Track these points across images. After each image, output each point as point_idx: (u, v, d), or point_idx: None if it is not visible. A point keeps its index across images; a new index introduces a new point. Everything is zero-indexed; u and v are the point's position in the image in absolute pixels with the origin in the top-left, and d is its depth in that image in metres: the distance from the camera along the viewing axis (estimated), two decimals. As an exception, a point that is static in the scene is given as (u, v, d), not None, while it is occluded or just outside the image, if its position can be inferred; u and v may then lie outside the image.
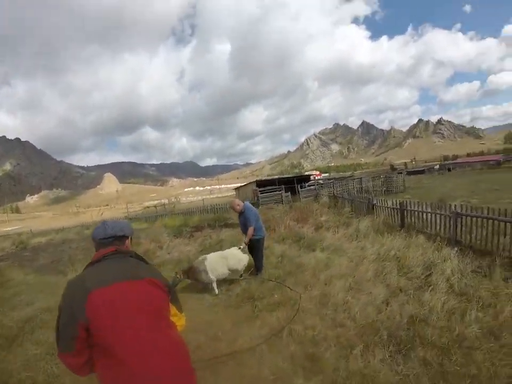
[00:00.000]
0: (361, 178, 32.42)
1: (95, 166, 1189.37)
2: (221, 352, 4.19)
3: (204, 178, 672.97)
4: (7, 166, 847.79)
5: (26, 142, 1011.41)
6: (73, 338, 1.93)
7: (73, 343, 1.94)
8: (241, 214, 7.59)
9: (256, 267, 7.61)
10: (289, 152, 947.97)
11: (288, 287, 6.22)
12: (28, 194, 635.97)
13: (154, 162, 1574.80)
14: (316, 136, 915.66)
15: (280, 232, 11.07)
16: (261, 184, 39.57)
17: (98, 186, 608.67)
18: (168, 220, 24.68)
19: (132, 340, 1.93)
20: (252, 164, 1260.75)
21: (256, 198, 31.90)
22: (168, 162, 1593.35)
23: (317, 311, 5.04)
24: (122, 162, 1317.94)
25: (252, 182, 43.27)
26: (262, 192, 32.55)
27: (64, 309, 1.99)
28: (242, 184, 53.16)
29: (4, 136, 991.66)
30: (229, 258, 7.15)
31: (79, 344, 1.94)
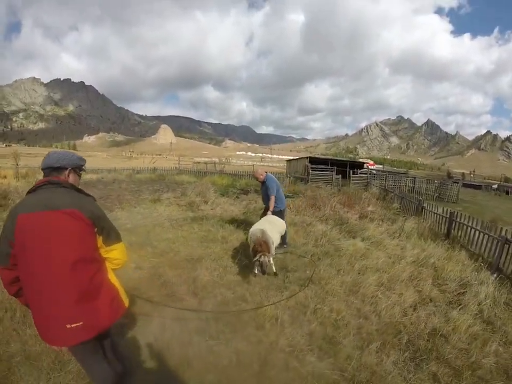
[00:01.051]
0: (415, 178, 31.87)
1: (152, 116, 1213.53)
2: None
3: (257, 145, 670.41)
4: (70, 107, 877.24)
5: (90, 86, 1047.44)
6: (8, 254, 2.32)
7: (7, 258, 2.33)
8: (263, 183, 7.69)
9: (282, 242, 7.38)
10: (347, 135, 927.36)
11: (307, 257, 6.66)
12: (86, 134, 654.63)
13: (211, 121, 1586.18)
14: (377, 124, 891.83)
15: (324, 212, 11.12)
16: (313, 161, 39.28)
17: (153, 136, 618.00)
18: (216, 178, 24.92)
19: (37, 260, 2.29)
20: (307, 139, 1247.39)
21: (306, 174, 31.77)
22: (225, 123, 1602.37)
23: (345, 297, 5.09)
24: (180, 116, 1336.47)
25: (304, 157, 42.83)
26: (313, 169, 32.42)
27: (3, 230, 2.37)
28: (295, 158, 52.61)
29: (69, 79, 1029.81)
30: (277, 224, 6.78)
31: (11, 259, 2.32)
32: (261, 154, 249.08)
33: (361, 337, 4.08)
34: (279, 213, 7.55)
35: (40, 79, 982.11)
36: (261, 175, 7.67)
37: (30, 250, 2.29)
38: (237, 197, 15.40)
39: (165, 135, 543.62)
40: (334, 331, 4.15)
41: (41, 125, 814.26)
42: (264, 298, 4.91)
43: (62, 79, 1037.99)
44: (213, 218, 10.35)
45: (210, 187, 17.03)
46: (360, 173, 33.67)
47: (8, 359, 3.27)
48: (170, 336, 3.84)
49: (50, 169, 2.55)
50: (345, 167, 37.23)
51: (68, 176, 2.61)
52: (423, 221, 10.86)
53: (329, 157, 45.93)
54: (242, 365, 3.45)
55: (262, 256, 5.55)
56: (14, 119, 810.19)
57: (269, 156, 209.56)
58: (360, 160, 57.65)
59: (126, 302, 2.73)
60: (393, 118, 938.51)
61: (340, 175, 31.09)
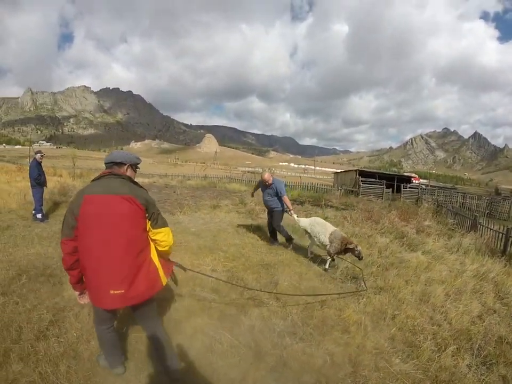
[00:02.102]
0: (464, 193, 31.37)
1: (197, 125, 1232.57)
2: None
3: (300, 157, 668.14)
4: (118, 115, 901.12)
5: (137, 95, 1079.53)
6: (72, 227, 2.86)
7: (72, 231, 2.86)
8: (269, 185, 8.42)
9: (286, 239, 8.58)
10: (391, 148, 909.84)
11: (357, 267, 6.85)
12: (133, 141, 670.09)
13: (255, 132, 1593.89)
14: (422, 137, 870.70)
15: (383, 225, 11.23)
16: (361, 174, 39.29)
17: (197, 145, 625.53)
18: None
19: (96, 233, 2.83)
20: (350, 151, 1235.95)
21: (357, 187, 31.77)
22: (268, 134, 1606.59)
23: (416, 305, 5.28)
24: (224, 126, 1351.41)
25: (352, 170, 42.94)
26: (364, 182, 32.40)
27: (69, 207, 2.95)
28: (343, 170, 52.67)
29: (118, 88, 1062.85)
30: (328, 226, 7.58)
31: (75, 231, 2.85)
32: (303, 166, 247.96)
33: (437, 342, 4.29)
34: (282, 212, 8.56)
35: (90, 87, 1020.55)
36: (270, 178, 8.42)
37: (91, 224, 2.83)
38: None
39: (210, 144, 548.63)
40: (412, 336, 4.39)
41: (90, 131, 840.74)
42: (343, 304, 5.14)
43: (111, 88, 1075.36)
44: None
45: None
46: (409, 187, 33.40)
47: (89, 358, 3.52)
48: (261, 337, 4.10)
49: (112, 164, 3.14)
50: (392, 181, 37.05)
51: (126, 170, 3.19)
52: (480, 237, 10.83)
53: (378, 171, 45.61)
54: (336, 365, 3.67)
55: (358, 246, 6.93)
56: (65, 123, 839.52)
57: (312, 167, 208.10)
58: (406, 174, 56.90)
59: (163, 281, 3.16)
60: (439, 131, 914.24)
61: (390, 189, 31.11)
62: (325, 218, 11.34)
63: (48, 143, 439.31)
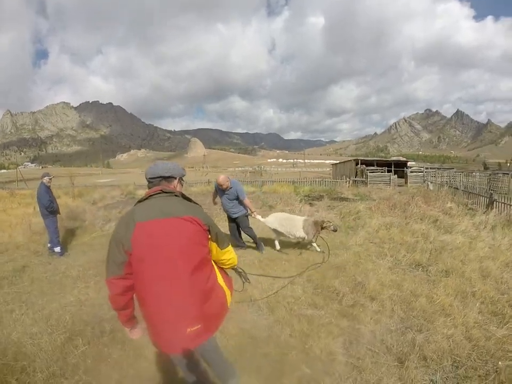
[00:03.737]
0: (462, 172, 32.08)
1: (181, 131, 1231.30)
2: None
3: (287, 152, 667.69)
4: (101, 128, 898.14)
5: (118, 106, 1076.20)
6: (122, 263, 2.34)
7: (121, 267, 2.35)
8: (227, 189, 7.67)
9: (255, 242, 8.14)
10: (375, 134, 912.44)
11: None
12: (118, 153, 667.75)
13: (239, 132, 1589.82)
14: (405, 120, 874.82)
15: (411, 212, 11.46)
16: (360, 163, 39.46)
17: (183, 150, 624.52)
18: (276, 187, 24.97)
19: (156, 267, 2.36)
20: (336, 141, 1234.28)
21: (363, 176, 32.09)
22: (253, 132, 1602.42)
23: (482, 281, 5.72)
24: (208, 129, 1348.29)
25: (351, 160, 43.32)
26: (371, 171, 32.86)
27: (114, 238, 2.40)
28: (341, 161, 52.88)
29: (98, 101, 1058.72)
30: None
31: (126, 268, 2.35)
32: (292, 160, 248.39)
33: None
34: (247, 215, 8.06)
35: (70, 103, 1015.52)
36: (227, 181, 7.66)
37: (150, 256, 2.36)
38: (310, 203, 15.33)
39: (196, 148, 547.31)
40: (493, 306, 4.80)
41: (75, 147, 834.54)
42: (426, 290, 5.40)
43: (91, 102, 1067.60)
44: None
45: (290, 196, 17.25)
46: (414, 172, 33.90)
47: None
48: (390, 339, 4.05)
49: (160, 179, 2.67)
50: (390, 167, 37.43)
51: (176, 185, 2.76)
52: (499, 213, 11.38)
53: (375, 158, 45.86)
54: (459, 345, 3.90)
55: (330, 222, 8.01)
56: (48, 142, 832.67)
57: (300, 161, 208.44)
58: (393, 158, 57.32)
59: (229, 302, 2.83)
60: (422, 112, 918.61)
61: (395, 175, 31.59)
62: (358, 212, 11.70)
63: (33, 164, 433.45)
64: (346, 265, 6.62)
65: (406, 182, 31.69)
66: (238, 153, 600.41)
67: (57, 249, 8.62)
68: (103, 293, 5.46)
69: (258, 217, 8.12)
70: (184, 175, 2.86)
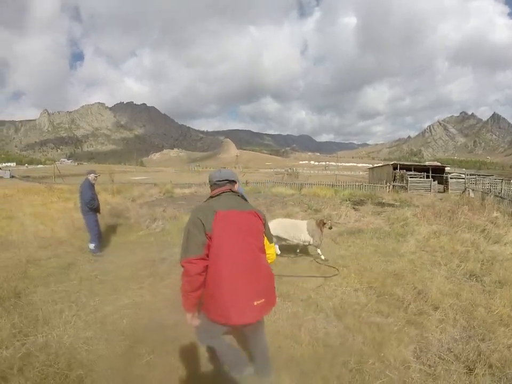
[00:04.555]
0: (502, 179, 30.84)
1: (214, 131, 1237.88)
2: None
3: (319, 154, 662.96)
4: (135, 128, 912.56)
5: (152, 107, 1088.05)
6: (203, 244, 2.79)
7: (202, 248, 2.78)
8: None
9: None
10: (409, 137, 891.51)
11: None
12: (152, 152, 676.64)
13: (271, 133, 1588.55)
14: (440, 123, 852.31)
15: (458, 220, 11.30)
16: (397, 167, 38.42)
17: (216, 150, 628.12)
18: (316, 189, 24.55)
19: (233, 247, 2.86)
20: (368, 144, 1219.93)
21: (403, 181, 31.80)
22: (284, 134, 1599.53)
23: None
24: (240, 130, 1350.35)
25: (388, 164, 42.33)
26: (412, 176, 32.38)
27: (195, 224, 2.85)
28: (378, 165, 52.10)
29: (132, 102, 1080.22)
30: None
31: (205, 249, 2.79)
32: (324, 163, 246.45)
33: None
34: None
35: (105, 103, 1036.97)
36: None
37: (229, 239, 2.86)
38: (354, 208, 15.01)
39: (228, 148, 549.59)
40: None
41: (109, 146, 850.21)
42: (483, 301, 5.41)
43: (125, 102, 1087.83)
44: (363, 231, 10.38)
45: (332, 199, 17.20)
46: (455, 178, 33.11)
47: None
48: (459, 348, 4.07)
49: (226, 181, 3.25)
50: (428, 172, 36.00)
51: (237, 188, 3.34)
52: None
53: (413, 163, 44.84)
54: None
55: (327, 220, 8.17)
56: (83, 140, 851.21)
57: (333, 164, 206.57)
58: (427, 163, 55.76)
59: None
60: (457, 115, 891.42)
61: (436, 181, 31.15)
62: (406, 219, 11.64)
63: (69, 160, 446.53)
64: (403, 272, 6.60)
65: (445, 189, 31.15)
66: (270, 154, 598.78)
67: (92, 246, 8.45)
68: (160, 296, 5.60)
69: None
70: (239, 181, 3.54)
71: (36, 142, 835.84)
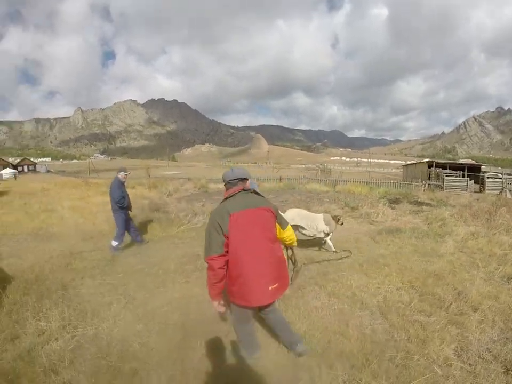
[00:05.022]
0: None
1: (244, 126, 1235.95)
2: None
3: (350, 150, 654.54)
4: (166, 124, 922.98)
5: (183, 103, 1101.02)
6: (223, 243, 3.29)
7: (222, 247, 3.29)
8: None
9: None
10: (443, 133, 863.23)
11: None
12: (183, 147, 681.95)
13: (302, 128, 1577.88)
14: (475, 119, 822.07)
15: (496, 222, 11.04)
16: (432, 165, 37.94)
17: (246, 146, 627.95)
18: (351, 186, 24.54)
19: (248, 242, 3.35)
20: (401, 140, 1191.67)
21: (439, 180, 31.25)
22: (316, 129, 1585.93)
23: None
24: (271, 125, 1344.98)
25: (423, 162, 41.96)
26: (447, 175, 31.89)
27: (214, 227, 3.33)
28: (412, 163, 51.49)
29: (163, 98, 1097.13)
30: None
31: (225, 247, 3.29)
32: (356, 159, 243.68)
33: None
34: None
35: (137, 100, 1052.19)
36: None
37: (243, 235, 3.32)
38: (391, 207, 14.84)
39: (259, 144, 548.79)
40: None
41: (142, 142, 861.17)
42: None
43: (156, 99, 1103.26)
44: (402, 231, 10.20)
45: (368, 197, 17.23)
46: (492, 178, 32.01)
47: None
48: (502, 349, 4.12)
49: (238, 180, 3.62)
50: (463, 171, 35.67)
51: (248, 185, 3.69)
52: None
53: (448, 161, 43.59)
54: None
55: (340, 216, 8.58)
56: (116, 136, 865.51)
57: (365, 160, 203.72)
58: (461, 161, 54.00)
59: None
60: (493, 110, 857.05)
61: (473, 181, 30.58)
62: (444, 219, 11.51)
63: (103, 156, 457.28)
64: (443, 273, 6.60)
65: (481, 189, 30.56)
66: (301, 150, 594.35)
67: (114, 243, 8.36)
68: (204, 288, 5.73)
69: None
70: (249, 177, 3.79)
71: (70, 138, 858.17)
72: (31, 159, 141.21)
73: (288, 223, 3.89)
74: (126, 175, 8.83)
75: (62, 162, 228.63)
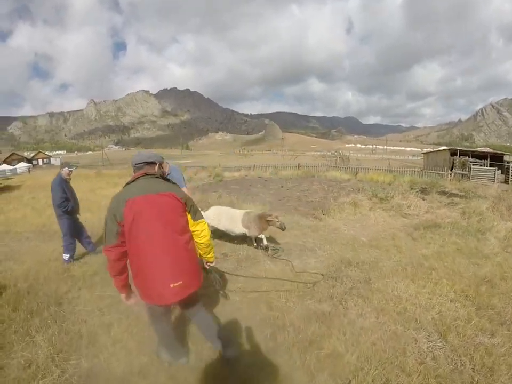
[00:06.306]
0: None
1: (258, 114, 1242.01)
2: None
3: (365, 137, 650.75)
4: (179, 114, 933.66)
5: (195, 92, 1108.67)
6: (117, 233, 2.99)
7: (116, 237, 3.00)
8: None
9: None
10: (460, 121, 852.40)
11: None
12: (197, 136, 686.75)
13: (316, 115, 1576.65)
14: (493, 106, 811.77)
15: None
16: (454, 153, 36.77)
17: (260, 133, 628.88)
18: (372, 175, 23.26)
19: (146, 232, 2.99)
20: (417, 127, 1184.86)
21: (465, 169, 30.16)
22: (330, 116, 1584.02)
23: None
24: (285, 112, 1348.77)
25: (445, 149, 40.84)
26: (474, 164, 30.89)
27: (109, 214, 3.03)
28: (434, 150, 50.38)
29: (175, 88, 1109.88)
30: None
31: (120, 237, 3.00)
32: (371, 146, 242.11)
33: None
34: None
35: (149, 91, 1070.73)
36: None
37: (138, 224, 2.98)
38: (422, 198, 13.62)
39: (273, 131, 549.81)
40: None
41: (156, 132, 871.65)
42: None
43: (169, 88, 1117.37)
44: (440, 226, 9.28)
45: (400, 187, 16.12)
46: None
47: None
48: None
49: (143, 164, 3.30)
50: (486, 159, 34.67)
51: (157, 169, 3.37)
52: None
53: (469, 149, 42.41)
54: None
55: (277, 217, 7.32)
56: (130, 127, 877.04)
57: (380, 147, 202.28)
58: (479, 149, 52.52)
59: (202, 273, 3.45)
60: (511, 98, 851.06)
61: (500, 170, 29.34)
62: (482, 213, 10.58)
63: (117, 146, 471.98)
64: (494, 278, 5.78)
65: (506, 179, 28.95)
66: (315, 137, 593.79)
67: (65, 256, 6.92)
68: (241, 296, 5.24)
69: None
70: (162, 161, 3.51)
71: (84, 131, 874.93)
72: (46, 153, 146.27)
73: (202, 216, 3.49)
74: (71, 171, 7.29)
75: (77, 154, 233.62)
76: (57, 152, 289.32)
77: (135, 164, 3.34)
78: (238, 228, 7.40)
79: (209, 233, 3.53)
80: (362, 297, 5.03)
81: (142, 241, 3.01)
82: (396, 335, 4.09)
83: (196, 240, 3.42)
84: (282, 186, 18.08)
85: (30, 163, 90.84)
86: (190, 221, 3.32)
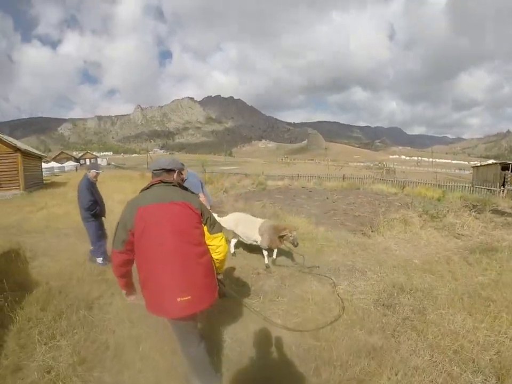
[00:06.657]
0: None
1: (301, 123, 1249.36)
2: None
3: (409, 148, 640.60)
4: (225, 121, 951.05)
5: (239, 99, 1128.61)
6: (124, 241, 2.84)
7: (122, 244, 2.84)
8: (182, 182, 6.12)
9: None
10: (508, 131, 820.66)
11: None
12: (240, 143, 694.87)
13: (359, 125, 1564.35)
14: None
15: None
16: (506, 167, 35.21)
17: (303, 142, 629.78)
18: (421, 189, 22.10)
19: (156, 242, 2.78)
20: (463, 139, 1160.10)
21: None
22: (373, 126, 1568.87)
23: None
24: (328, 122, 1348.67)
25: (496, 163, 38.88)
26: None
27: (121, 220, 2.88)
28: (483, 164, 48.69)
29: (219, 95, 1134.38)
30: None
31: (127, 245, 2.84)
32: (416, 158, 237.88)
33: None
34: None
35: (194, 97, 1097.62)
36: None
37: (148, 233, 2.78)
38: (475, 217, 12.18)
39: (316, 141, 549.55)
40: None
41: (200, 138, 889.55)
42: None
43: (213, 96, 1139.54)
44: (497, 249, 8.34)
45: (453, 203, 15.43)
46: None
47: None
48: None
49: (162, 171, 3.13)
50: None
51: (176, 177, 3.19)
52: None
53: None
54: None
55: (292, 231, 6.80)
56: (175, 132, 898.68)
57: (425, 159, 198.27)
58: None
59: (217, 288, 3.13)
60: None
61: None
62: None
63: (161, 150, 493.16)
64: None
65: None
66: (358, 147, 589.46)
67: (99, 259, 6.84)
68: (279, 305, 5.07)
69: (214, 215, 7.27)
70: (182, 169, 3.35)
71: (130, 134, 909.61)
72: (93, 153, 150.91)
73: (220, 229, 3.20)
74: (98, 173, 7.12)
75: (123, 156, 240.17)
76: (104, 153, 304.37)
77: (153, 170, 3.20)
78: (254, 234, 7.21)
79: (226, 249, 3.24)
80: (417, 330, 4.48)
81: (151, 251, 2.83)
82: (452, 378, 3.53)
83: (213, 254, 3.13)
84: (327, 198, 17.70)
85: (77, 162, 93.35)
86: (206, 234, 3.05)
